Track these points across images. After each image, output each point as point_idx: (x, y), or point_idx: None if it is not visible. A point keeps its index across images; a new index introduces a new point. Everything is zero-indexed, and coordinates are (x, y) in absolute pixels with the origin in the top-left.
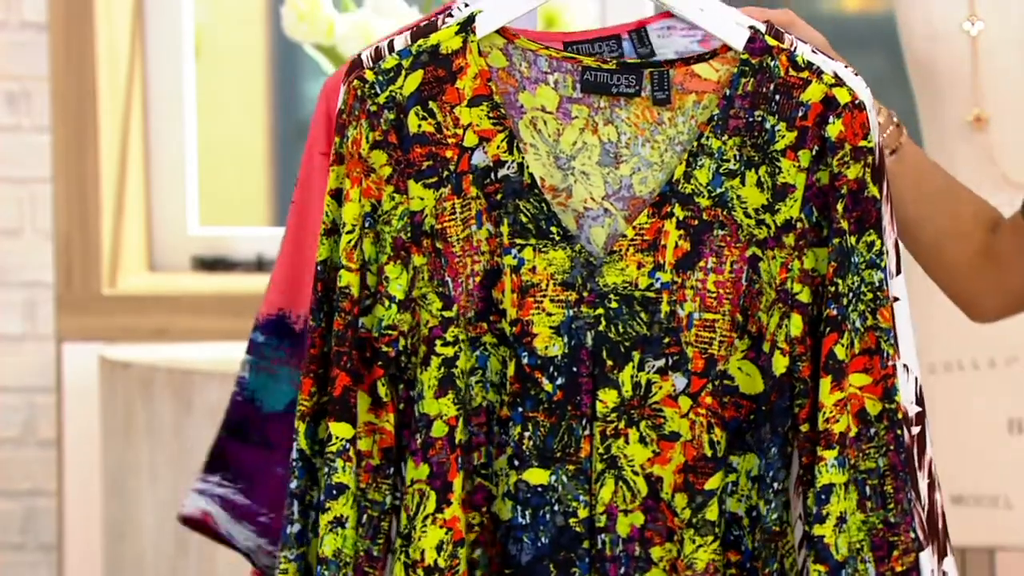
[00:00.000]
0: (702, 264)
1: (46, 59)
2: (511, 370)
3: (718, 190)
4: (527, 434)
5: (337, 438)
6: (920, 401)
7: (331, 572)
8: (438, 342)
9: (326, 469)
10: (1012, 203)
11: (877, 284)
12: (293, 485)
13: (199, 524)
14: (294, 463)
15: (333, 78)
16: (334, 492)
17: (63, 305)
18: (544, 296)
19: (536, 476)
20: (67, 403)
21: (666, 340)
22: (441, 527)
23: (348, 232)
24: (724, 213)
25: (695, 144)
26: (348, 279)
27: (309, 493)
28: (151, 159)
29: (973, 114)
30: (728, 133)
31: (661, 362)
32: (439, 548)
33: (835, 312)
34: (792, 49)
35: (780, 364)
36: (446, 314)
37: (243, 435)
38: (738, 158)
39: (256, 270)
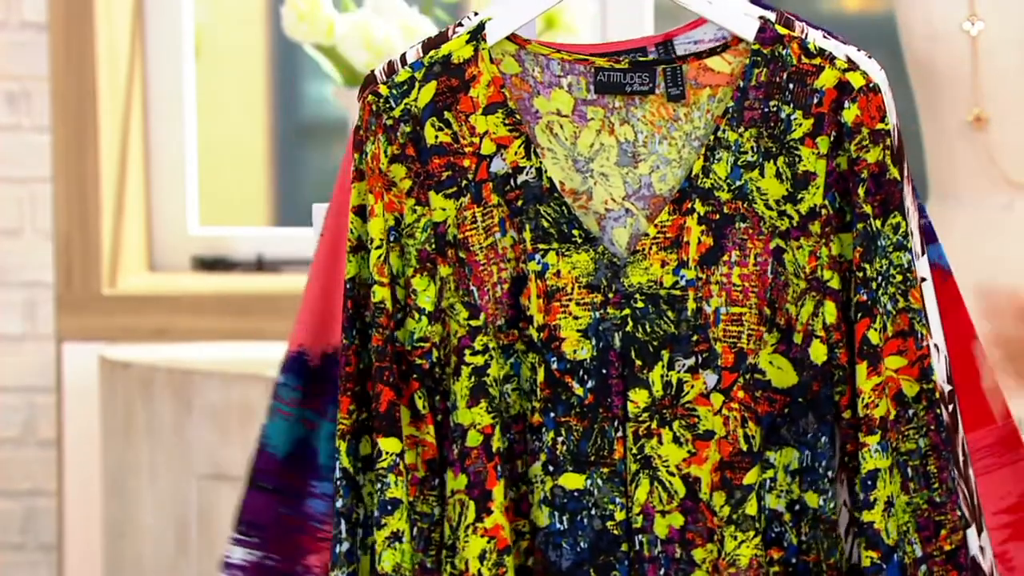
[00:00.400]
0: (726, 258)
1: (46, 59)
2: (541, 376)
3: (737, 183)
4: (560, 439)
5: (387, 453)
6: (951, 379)
7: None
8: (467, 352)
9: (379, 485)
10: (1012, 203)
11: (906, 265)
12: (339, 504)
13: None
14: (338, 482)
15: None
16: (389, 507)
17: (63, 305)
18: (570, 300)
19: (572, 481)
20: (67, 403)
21: (694, 337)
22: (482, 536)
23: (376, 247)
24: (745, 206)
25: (712, 138)
26: (382, 294)
27: (356, 511)
28: (151, 159)
29: (973, 114)
30: (744, 125)
31: (691, 360)
32: (482, 557)
33: (865, 297)
34: (803, 36)
35: (819, 352)
36: (473, 323)
37: (260, 486)
38: (756, 149)
39: (256, 270)
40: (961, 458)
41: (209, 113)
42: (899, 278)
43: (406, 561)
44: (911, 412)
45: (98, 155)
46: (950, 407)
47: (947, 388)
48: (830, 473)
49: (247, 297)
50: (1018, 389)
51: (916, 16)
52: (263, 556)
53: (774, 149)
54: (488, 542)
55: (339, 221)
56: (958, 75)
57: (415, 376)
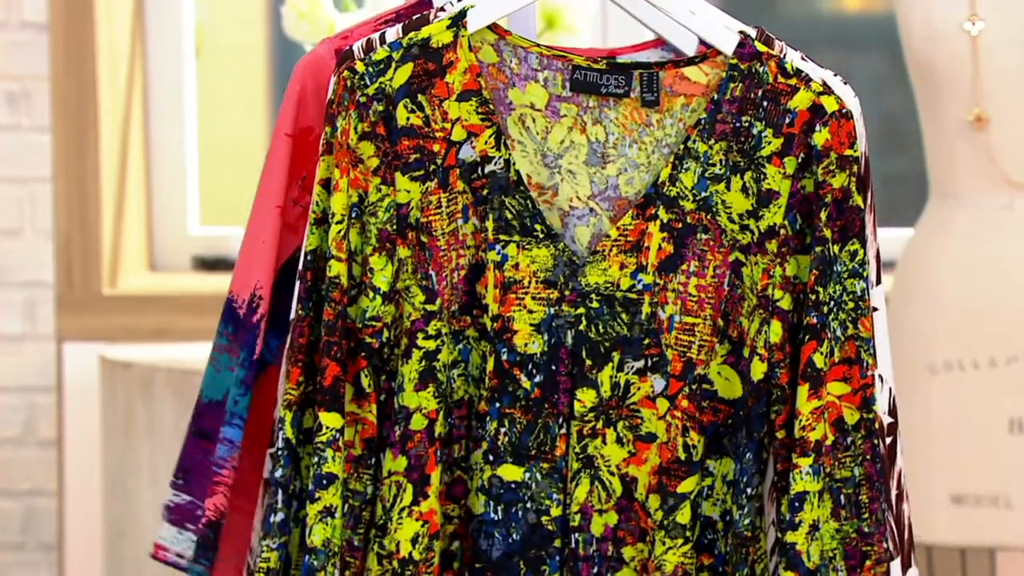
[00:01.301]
0: (685, 267)
1: (46, 59)
2: (490, 365)
3: (703, 194)
4: (503, 430)
5: (327, 428)
6: (893, 412)
7: (320, 562)
8: (420, 335)
9: (315, 459)
10: (1012, 203)
11: (859, 294)
12: (278, 474)
13: (162, 561)
14: (280, 452)
15: (304, 58)
16: (324, 482)
17: (63, 305)
18: (526, 293)
19: (510, 472)
20: (67, 403)
21: (646, 341)
22: (417, 519)
23: (337, 222)
24: (708, 217)
25: (682, 147)
26: (338, 269)
27: (293, 483)
28: (151, 159)
29: (973, 114)
30: (715, 137)
31: (640, 363)
32: (414, 540)
33: (815, 320)
34: (782, 56)
35: (758, 370)
36: (429, 307)
37: (193, 429)
38: (724, 163)
39: None
40: (895, 491)
41: (209, 113)
42: (851, 305)
43: (336, 536)
44: (849, 440)
45: (98, 155)
46: (888, 439)
47: (887, 420)
48: (749, 490)
49: None
50: None
51: (916, 16)
52: (188, 500)
53: (742, 164)
54: (422, 526)
55: (263, 176)
56: (958, 75)
57: (363, 354)
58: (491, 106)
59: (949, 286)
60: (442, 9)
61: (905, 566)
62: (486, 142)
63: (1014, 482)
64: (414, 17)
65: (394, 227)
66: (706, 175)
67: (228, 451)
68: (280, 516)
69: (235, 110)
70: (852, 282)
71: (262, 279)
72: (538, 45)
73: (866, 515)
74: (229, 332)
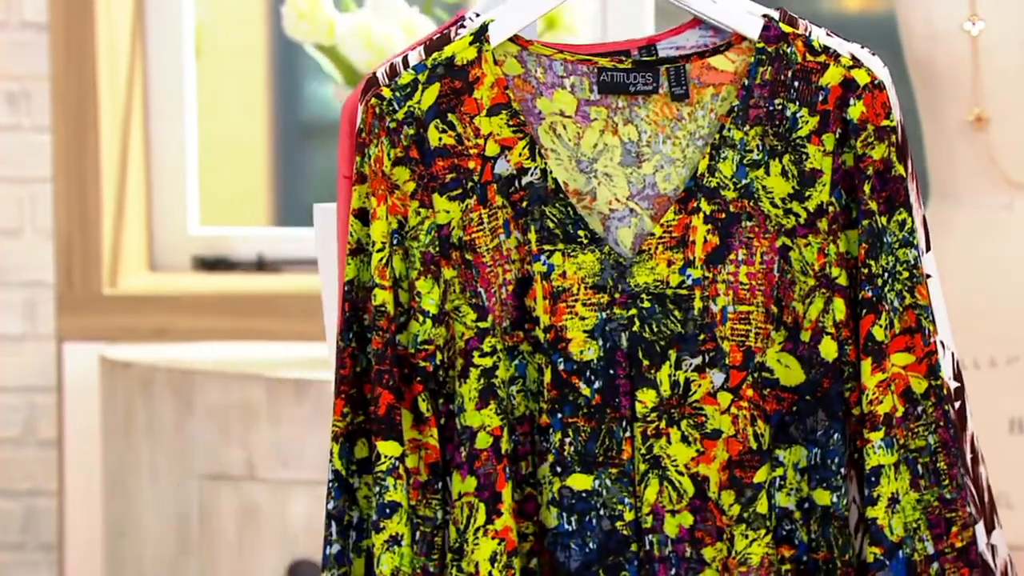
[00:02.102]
0: (732, 257)
1: (46, 59)
2: (548, 377)
3: (743, 181)
4: (567, 440)
5: (386, 457)
6: (958, 376)
7: None
8: (475, 353)
9: (377, 488)
10: (1012, 203)
11: (912, 262)
12: (331, 506)
13: None
14: (330, 484)
15: (351, 99)
16: (387, 511)
17: (63, 305)
18: (576, 300)
19: (579, 482)
20: (67, 403)
21: (701, 337)
22: (493, 538)
23: (378, 251)
24: (751, 204)
25: (717, 137)
26: (383, 297)
27: (348, 513)
28: (151, 159)
29: (974, 114)
30: (749, 123)
31: (698, 359)
32: (492, 560)
33: (870, 293)
34: (807, 34)
35: (830, 349)
36: (481, 325)
37: None
38: (761, 148)
39: (257, 270)
40: (969, 455)
41: (209, 113)
42: (905, 275)
43: (405, 564)
44: (920, 409)
45: (98, 155)
46: (957, 404)
47: (953, 385)
48: (842, 470)
49: (248, 297)
50: None
51: (917, 16)
52: None
53: (779, 147)
54: (499, 544)
55: (342, 221)
56: (958, 75)
57: (419, 379)
58: (522, 117)
59: (950, 286)
60: (462, 26)
61: (989, 528)
62: (520, 154)
63: (1014, 482)
64: (435, 37)
65: (437, 249)
66: (744, 162)
67: None
68: (336, 548)
69: (235, 110)
70: (904, 251)
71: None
72: (562, 52)
73: (946, 482)
74: None
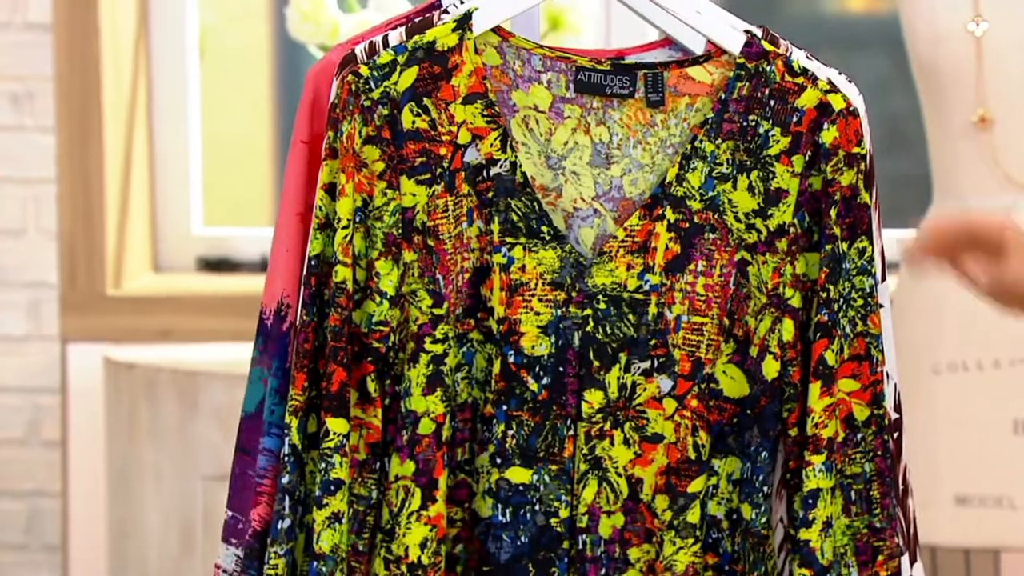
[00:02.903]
0: (692, 267)
1: (50, 59)
2: (497, 368)
3: (710, 194)
4: (510, 432)
5: (334, 434)
6: (898, 408)
7: (328, 568)
8: (427, 339)
9: (323, 465)
10: (1016, 204)
11: (868, 290)
12: (285, 480)
13: None
14: (286, 458)
15: (317, 65)
16: (331, 488)
17: (67, 306)
18: (533, 295)
19: (518, 475)
20: (71, 404)
21: (653, 342)
22: (426, 524)
23: (343, 227)
24: (715, 217)
25: (689, 147)
26: (343, 274)
27: (298, 489)
28: (155, 159)
29: (977, 115)
30: (722, 137)
31: (647, 364)
32: (423, 545)
33: (826, 318)
34: (788, 54)
35: (771, 368)
36: (436, 311)
37: (236, 447)
38: (731, 162)
39: (261, 270)
40: (900, 487)
41: (213, 113)
42: (860, 302)
43: (343, 542)
44: (860, 436)
45: (102, 155)
46: (895, 435)
47: (894, 416)
48: (766, 488)
49: (251, 298)
50: None
51: (921, 17)
52: (232, 515)
53: (749, 163)
54: (431, 530)
55: (285, 184)
56: (962, 76)
57: (369, 359)
58: (496, 108)
59: (953, 287)
60: (445, 11)
61: (912, 560)
62: (491, 144)
63: (1018, 483)
64: (417, 20)
65: (400, 231)
66: (713, 175)
67: (268, 461)
68: (287, 522)
69: (239, 111)
70: (861, 279)
71: (288, 286)
72: (541, 47)
73: (877, 511)
74: (260, 345)
